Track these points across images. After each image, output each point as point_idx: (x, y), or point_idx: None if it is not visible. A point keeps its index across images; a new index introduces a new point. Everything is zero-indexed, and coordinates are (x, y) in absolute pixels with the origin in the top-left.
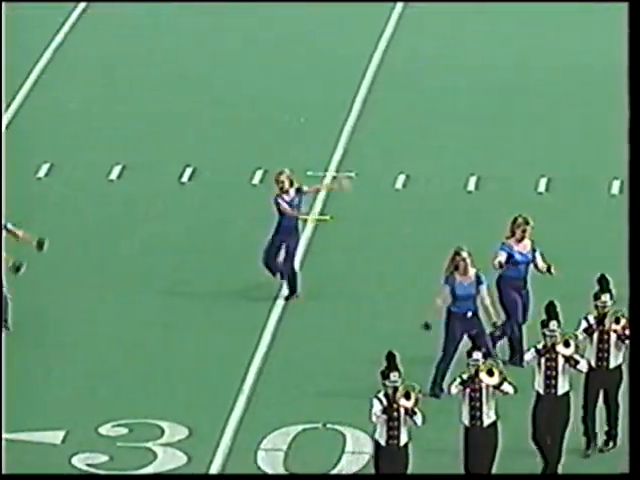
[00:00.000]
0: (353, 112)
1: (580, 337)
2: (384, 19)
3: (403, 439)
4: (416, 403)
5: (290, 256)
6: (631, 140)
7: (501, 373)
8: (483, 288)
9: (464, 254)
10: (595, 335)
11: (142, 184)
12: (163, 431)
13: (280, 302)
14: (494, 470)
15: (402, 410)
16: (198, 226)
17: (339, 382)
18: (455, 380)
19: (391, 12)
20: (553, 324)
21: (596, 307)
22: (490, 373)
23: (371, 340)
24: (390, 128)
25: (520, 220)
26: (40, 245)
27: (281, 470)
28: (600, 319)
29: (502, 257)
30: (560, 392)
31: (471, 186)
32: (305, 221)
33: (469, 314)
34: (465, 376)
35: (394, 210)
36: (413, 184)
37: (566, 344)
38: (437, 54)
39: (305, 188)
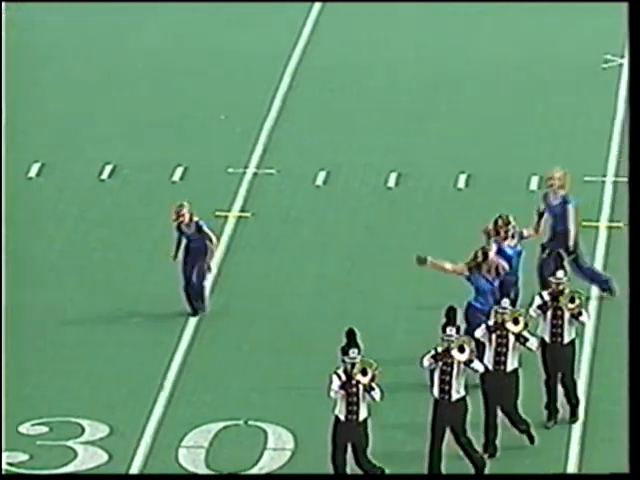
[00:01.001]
0: (273, 109)
1: (533, 314)
2: (303, 17)
3: (362, 414)
4: (373, 379)
5: (200, 276)
6: (631, 140)
7: (472, 351)
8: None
9: (491, 254)
10: (549, 312)
11: (61, 182)
12: (83, 429)
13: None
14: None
15: (360, 386)
16: (118, 224)
17: (260, 379)
18: (428, 353)
19: (310, 11)
20: (504, 301)
21: (550, 283)
22: (461, 350)
23: (292, 338)
24: (310, 125)
25: (500, 222)
26: None
27: (203, 467)
28: (555, 296)
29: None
30: (509, 369)
31: (391, 182)
32: (225, 218)
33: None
34: (439, 349)
35: (315, 207)
36: (333, 181)
37: (515, 321)
38: (356, 52)
39: (205, 228)
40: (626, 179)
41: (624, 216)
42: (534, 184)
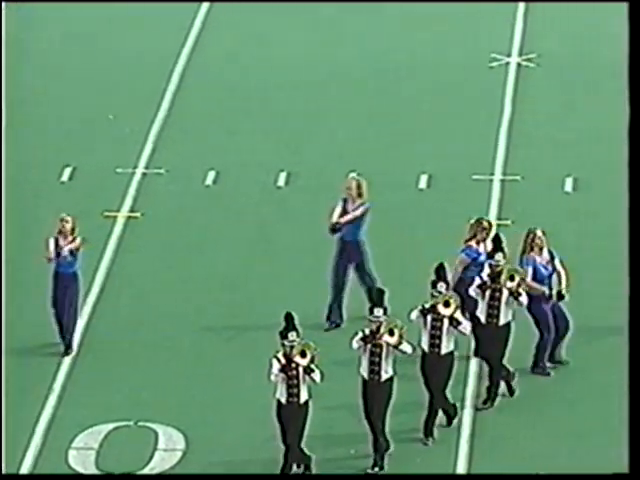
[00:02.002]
0: (162, 109)
1: (473, 293)
2: (191, 17)
3: (303, 397)
4: (312, 361)
5: (72, 306)
6: (631, 140)
7: (401, 334)
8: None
9: (539, 233)
10: (487, 292)
11: None
12: None
13: (94, 294)
14: (388, 421)
15: (300, 368)
16: (7, 226)
17: (150, 379)
18: (357, 334)
19: (197, 10)
20: (440, 285)
21: (490, 265)
22: (391, 333)
23: (182, 337)
24: (199, 125)
25: (485, 223)
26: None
27: (93, 469)
28: (493, 277)
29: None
30: (443, 352)
31: (281, 182)
32: (115, 218)
33: (546, 292)
34: (367, 331)
35: (204, 207)
36: (223, 180)
37: (446, 304)
38: (244, 52)
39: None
40: (513, 177)
41: (512, 214)
42: (423, 183)
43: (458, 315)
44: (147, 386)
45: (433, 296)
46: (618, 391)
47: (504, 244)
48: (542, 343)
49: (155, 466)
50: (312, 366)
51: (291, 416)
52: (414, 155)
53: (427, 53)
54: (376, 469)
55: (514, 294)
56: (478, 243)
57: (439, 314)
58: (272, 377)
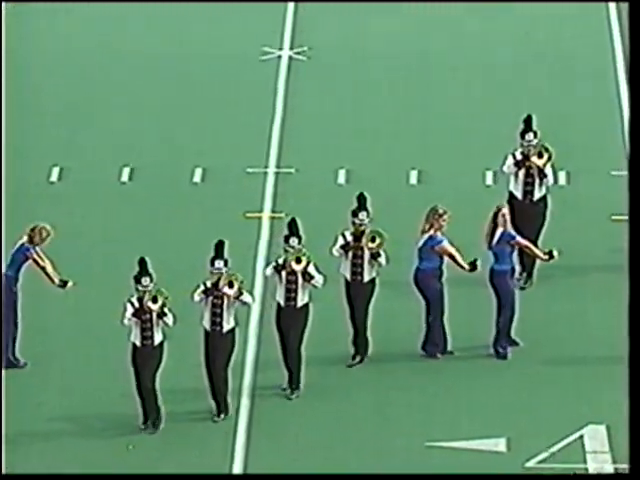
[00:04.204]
0: None
1: (336, 253)
2: None
3: (157, 339)
4: (163, 306)
5: None
6: (631, 140)
7: (241, 284)
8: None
9: (504, 210)
10: (350, 252)
11: None
12: None
13: None
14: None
15: (154, 313)
16: None
17: None
18: (198, 287)
19: None
20: (293, 240)
21: (353, 224)
22: (230, 285)
23: None
24: None
25: (441, 211)
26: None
27: None
28: (357, 236)
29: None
30: (299, 304)
31: (54, 177)
32: None
33: (516, 269)
34: (209, 284)
35: None
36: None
37: (297, 260)
38: (42, 49)
39: None
40: (287, 170)
41: (286, 206)
42: (197, 176)
43: (311, 269)
44: None
45: (286, 251)
46: (409, 381)
47: (369, 203)
48: (502, 320)
49: None
50: (165, 310)
51: (145, 358)
52: (187, 149)
53: (198, 46)
54: (222, 416)
55: (374, 255)
56: (436, 231)
57: (292, 270)
58: (125, 321)
